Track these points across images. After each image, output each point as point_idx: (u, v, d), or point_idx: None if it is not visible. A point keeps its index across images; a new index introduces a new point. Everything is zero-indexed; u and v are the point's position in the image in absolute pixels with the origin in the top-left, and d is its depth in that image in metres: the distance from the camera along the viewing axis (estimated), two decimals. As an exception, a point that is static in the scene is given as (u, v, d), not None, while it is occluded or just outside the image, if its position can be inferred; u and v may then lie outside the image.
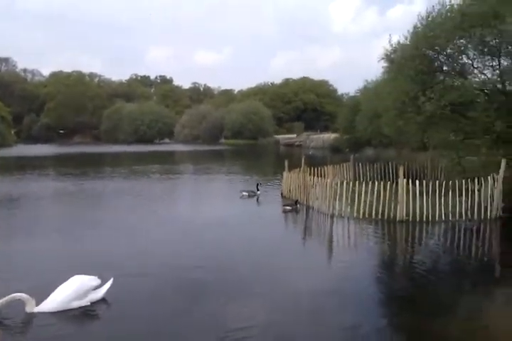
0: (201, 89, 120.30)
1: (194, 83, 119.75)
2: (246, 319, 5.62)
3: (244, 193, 16.15)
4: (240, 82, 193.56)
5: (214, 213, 13.29)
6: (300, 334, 5.28)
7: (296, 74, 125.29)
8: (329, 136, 53.80)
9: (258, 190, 16.39)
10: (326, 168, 17.00)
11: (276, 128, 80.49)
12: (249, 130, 74.93)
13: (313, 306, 6.11)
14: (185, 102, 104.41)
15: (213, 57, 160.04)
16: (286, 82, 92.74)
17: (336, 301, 6.26)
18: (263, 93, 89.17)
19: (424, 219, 11.32)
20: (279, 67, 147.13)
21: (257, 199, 15.65)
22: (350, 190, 12.58)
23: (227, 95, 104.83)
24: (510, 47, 12.39)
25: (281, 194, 16.18)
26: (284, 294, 6.50)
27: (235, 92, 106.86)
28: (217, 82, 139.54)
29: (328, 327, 5.45)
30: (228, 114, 77.43)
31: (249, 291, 6.65)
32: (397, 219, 11.46)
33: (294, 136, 71.69)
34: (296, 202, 13.90)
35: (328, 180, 12.89)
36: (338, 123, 44.40)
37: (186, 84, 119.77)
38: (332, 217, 12.26)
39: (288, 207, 13.51)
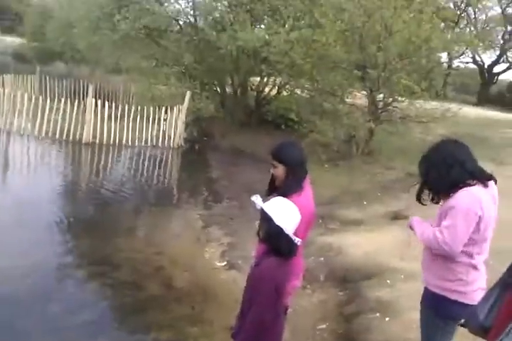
0: None
1: None
2: None
3: None
4: None
5: None
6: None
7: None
8: (13, 40, 46.31)
9: None
10: (3, 77, 14.62)
11: None
12: None
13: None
14: None
15: None
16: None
17: (13, 226, 5.64)
18: None
19: (111, 142, 11.23)
20: None
21: None
22: (33, 105, 11.22)
23: None
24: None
25: None
26: None
27: None
28: None
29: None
30: None
31: None
32: (83, 141, 11.01)
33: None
34: None
35: (6, 91, 11.16)
36: (25, 26, 38.44)
37: None
38: (9, 134, 10.81)
39: None
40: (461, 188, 2.28)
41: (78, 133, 11.02)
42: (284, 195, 2.42)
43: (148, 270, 5.01)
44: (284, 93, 13.70)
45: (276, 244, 2.20)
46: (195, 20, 13.77)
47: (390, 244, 4.92)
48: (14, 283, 4.37)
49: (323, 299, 4.37)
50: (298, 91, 12.44)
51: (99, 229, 6.14)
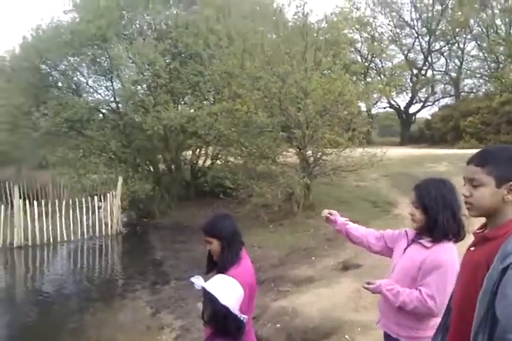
0: None
1: None
2: None
3: None
4: None
5: None
6: None
7: None
8: None
9: None
10: None
11: None
12: None
13: None
14: None
15: None
16: None
17: None
18: None
19: (46, 241, 10.55)
20: None
21: None
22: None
23: None
24: (119, 71, 13.19)
25: None
26: None
27: None
28: None
29: None
30: None
31: None
32: (15, 244, 10.27)
33: None
34: None
35: None
36: None
37: None
38: None
39: None
40: (449, 240, 2.24)
41: (9, 237, 10.31)
42: (223, 269, 2.40)
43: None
44: (218, 162, 13.84)
45: (223, 324, 2.08)
46: (117, 106, 13.97)
47: (343, 297, 4.84)
48: None
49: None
50: (231, 158, 12.63)
51: (42, 334, 5.72)
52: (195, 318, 5.33)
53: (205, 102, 12.76)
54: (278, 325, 4.64)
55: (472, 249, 1.65)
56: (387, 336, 2.39)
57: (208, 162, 14.31)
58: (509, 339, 1.36)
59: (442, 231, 2.21)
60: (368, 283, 2.33)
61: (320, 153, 10.21)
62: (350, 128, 10.30)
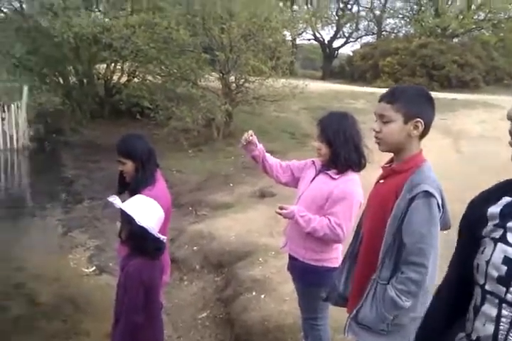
0: None
1: None
2: None
3: None
4: None
5: None
6: None
7: None
8: None
9: None
10: None
11: None
12: None
13: None
14: None
15: None
16: None
17: None
18: None
19: None
20: None
21: None
22: None
23: None
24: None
25: None
26: None
27: None
28: None
29: None
30: None
31: None
32: None
33: None
34: None
35: None
36: None
37: None
38: None
39: None
40: (353, 170, 2.36)
41: None
42: (137, 190, 2.37)
43: (7, 289, 4.51)
44: (136, 80, 13.14)
45: (141, 244, 2.13)
46: (21, 7, 12.41)
47: (259, 222, 5.10)
48: None
49: (201, 287, 4.37)
50: (150, 77, 12.02)
51: None
52: (109, 238, 5.34)
53: (121, 12, 11.71)
54: (195, 248, 4.83)
55: (381, 181, 1.80)
56: (292, 259, 2.56)
57: (124, 79, 13.45)
58: (412, 261, 1.60)
59: (345, 163, 2.34)
60: (281, 208, 2.37)
61: (243, 80, 10.08)
62: (274, 56, 10.20)
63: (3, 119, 10.70)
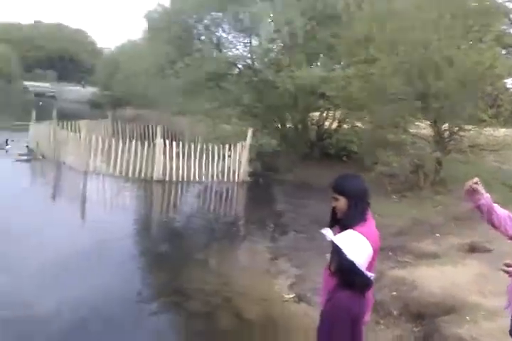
0: None
1: None
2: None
3: None
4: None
5: None
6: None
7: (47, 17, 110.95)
8: (87, 90, 50.62)
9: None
10: (79, 123, 15.89)
11: (23, 74, 69.88)
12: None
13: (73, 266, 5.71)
14: None
15: None
16: (37, 25, 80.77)
17: (90, 260, 5.99)
18: (7, 33, 74.57)
19: (180, 179, 11.79)
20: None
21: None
22: (107, 146, 12.11)
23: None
24: (259, 29, 13.47)
25: (27, 147, 14.42)
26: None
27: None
28: None
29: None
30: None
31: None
32: (154, 178, 11.62)
33: (47, 85, 64.22)
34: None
35: (82, 135, 12.13)
36: (97, 78, 41.98)
37: None
38: (86, 173, 11.63)
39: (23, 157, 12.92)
40: None
41: (149, 171, 11.66)
42: (348, 226, 2.39)
43: (217, 300, 5.08)
44: (345, 126, 13.77)
45: (351, 278, 2.15)
46: (253, 63, 14.44)
47: (467, 278, 4.70)
48: (89, 313, 4.57)
49: (397, 335, 4.20)
50: (358, 124, 12.45)
51: (171, 262, 6.36)
52: (310, 269, 5.59)
53: (337, 65, 12.62)
54: (394, 293, 4.69)
55: None
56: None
57: (335, 125, 14.27)
58: None
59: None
60: (508, 266, 2.18)
61: (457, 128, 9.62)
62: (495, 104, 9.48)
63: (229, 156, 12.41)
